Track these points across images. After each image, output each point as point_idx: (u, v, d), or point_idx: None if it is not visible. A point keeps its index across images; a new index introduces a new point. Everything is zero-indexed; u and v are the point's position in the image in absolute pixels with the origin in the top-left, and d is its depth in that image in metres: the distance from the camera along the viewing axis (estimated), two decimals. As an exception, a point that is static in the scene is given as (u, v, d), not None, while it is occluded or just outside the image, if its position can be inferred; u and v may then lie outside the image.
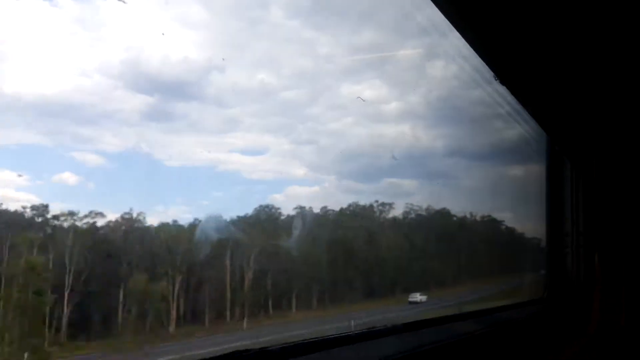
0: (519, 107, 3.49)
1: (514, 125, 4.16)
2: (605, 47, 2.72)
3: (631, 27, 2.54)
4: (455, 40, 2.61)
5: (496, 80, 2.91)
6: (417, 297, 43.35)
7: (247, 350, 1.62)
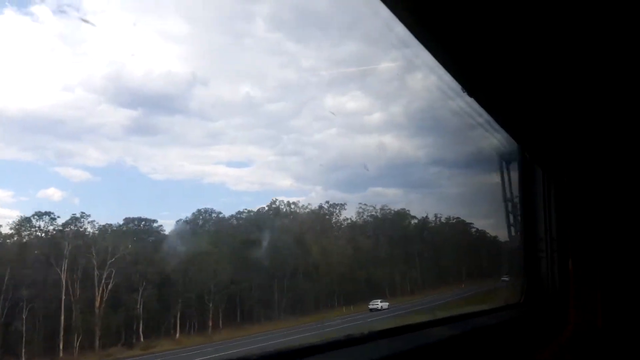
0: (489, 117, 3.58)
1: (486, 135, 4.26)
2: (571, 54, 2.82)
3: (598, 33, 2.65)
4: (425, 55, 2.70)
5: (464, 92, 3.00)
6: (378, 304, 40.94)
7: (247, 357, 1.67)
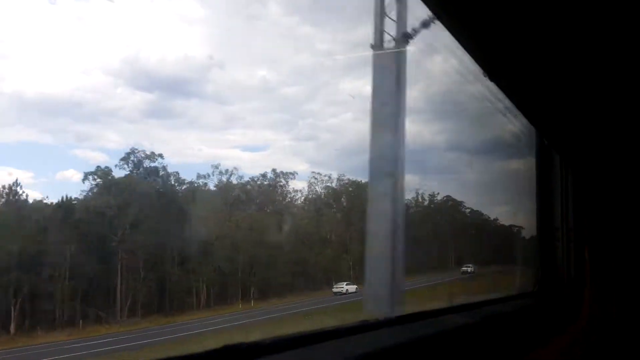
0: (508, 102, 3.52)
1: (504, 120, 4.20)
2: (593, 41, 2.75)
3: (620, 20, 2.57)
4: (445, 37, 2.65)
5: (485, 76, 2.94)
6: (343, 287, 37.45)
7: (239, 344, 1.64)
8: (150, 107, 46.61)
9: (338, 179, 47.74)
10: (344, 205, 46.50)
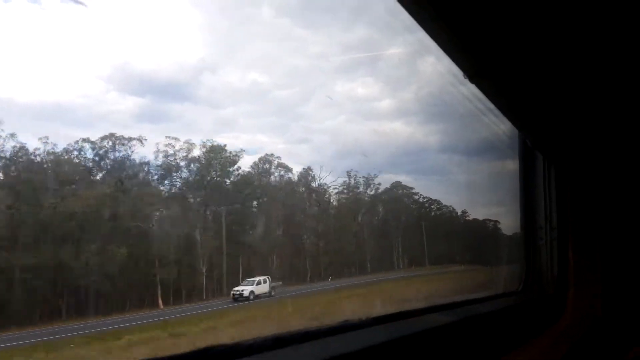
0: (490, 104, 3.55)
1: (488, 122, 4.23)
2: (575, 38, 2.78)
3: (602, 19, 2.61)
4: (427, 39, 2.66)
5: (465, 78, 2.96)
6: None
7: (220, 345, 1.65)
8: (142, 111, 46.05)
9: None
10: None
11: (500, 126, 4.19)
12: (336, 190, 44.14)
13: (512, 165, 4.56)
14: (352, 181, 44.98)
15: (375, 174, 44.84)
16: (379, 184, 45.96)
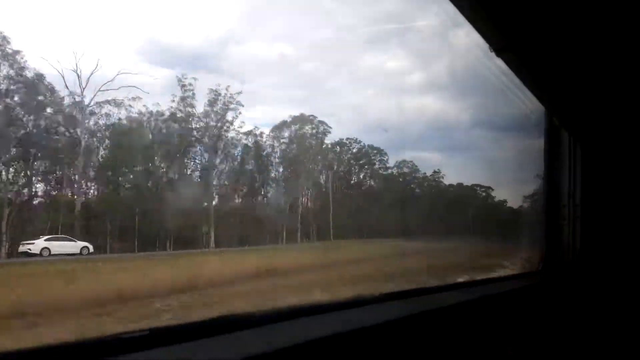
0: (516, 79, 3.47)
1: (512, 98, 4.14)
2: (603, 14, 2.69)
3: None
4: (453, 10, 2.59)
5: (491, 52, 2.89)
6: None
7: (233, 315, 1.66)
8: (171, 82, 46.13)
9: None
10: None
11: (526, 103, 4.10)
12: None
13: (538, 143, 4.47)
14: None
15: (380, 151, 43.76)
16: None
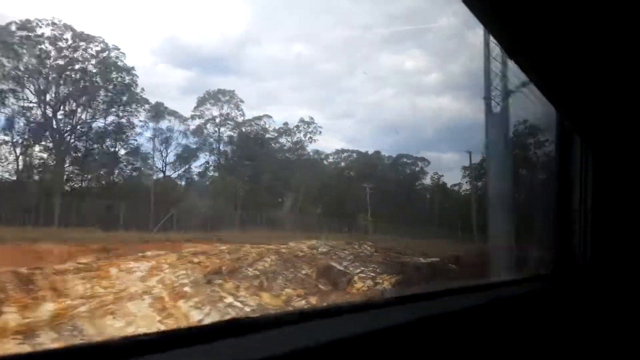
0: (529, 82, 3.44)
1: (525, 101, 4.11)
2: (618, 18, 2.66)
3: None
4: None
5: (503, 53, 2.87)
6: None
7: (240, 319, 1.65)
8: (189, 84, 46.28)
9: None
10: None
11: (538, 107, 4.07)
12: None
13: (549, 147, 4.43)
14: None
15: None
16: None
